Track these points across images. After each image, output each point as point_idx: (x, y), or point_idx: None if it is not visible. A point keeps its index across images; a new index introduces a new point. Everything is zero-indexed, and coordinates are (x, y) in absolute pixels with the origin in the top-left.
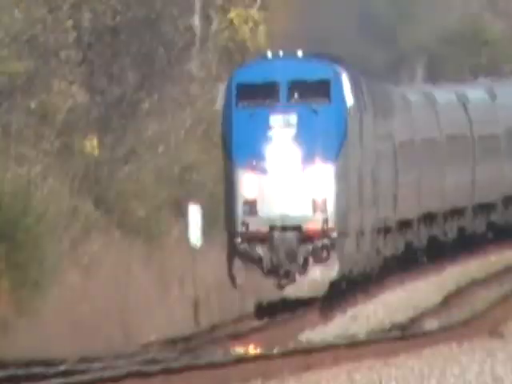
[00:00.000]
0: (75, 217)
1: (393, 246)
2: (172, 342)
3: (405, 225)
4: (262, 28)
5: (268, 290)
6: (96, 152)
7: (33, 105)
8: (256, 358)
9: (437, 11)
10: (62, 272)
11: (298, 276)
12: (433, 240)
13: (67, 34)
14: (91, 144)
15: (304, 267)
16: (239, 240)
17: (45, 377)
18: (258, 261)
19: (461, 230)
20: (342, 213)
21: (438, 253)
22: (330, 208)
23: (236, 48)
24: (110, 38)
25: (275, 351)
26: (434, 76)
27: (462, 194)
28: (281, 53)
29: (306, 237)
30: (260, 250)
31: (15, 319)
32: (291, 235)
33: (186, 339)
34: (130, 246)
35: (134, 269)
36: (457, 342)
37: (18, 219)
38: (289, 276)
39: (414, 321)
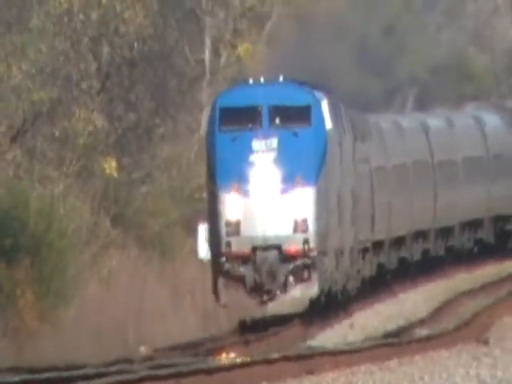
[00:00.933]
0: (95, 233)
1: (370, 266)
2: (183, 348)
3: (377, 246)
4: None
5: (251, 307)
6: (115, 173)
7: (56, 132)
8: (261, 362)
9: (427, 46)
10: (83, 284)
11: (279, 294)
12: (403, 261)
13: (88, 65)
14: (110, 166)
15: (285, 286)
16: (223, 259)
17: (67, 380)
18: (241, 279)
19: (425, 252)
20: (322, 233)
21: (406, 271)
22: (310, 229)
23: (243, 80)
24: (127, 70)
25: (278, 356)
26: (425, 104)
27: (426, 218)
28: (262, 79)
29: (286, 256)
30: (243, 269)
31: (39, 327)
32: (273, 255)
33: (197, 345)
34: (146, 260)
35: (149, 281)
36: (445, 349)
37: (42, 235)
38: (270, 294)
39: (407, 329)
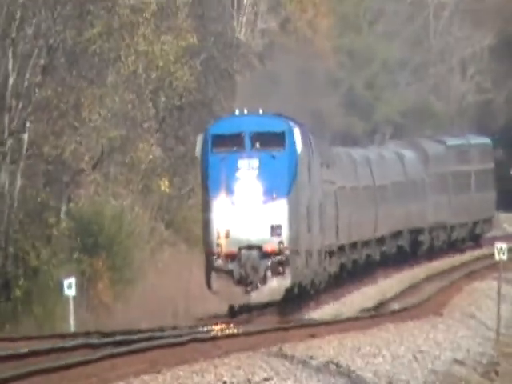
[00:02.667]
0: (153, 234)
1: (334, 265)
2: (219, 317)
3: (341, 249)
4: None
5: (237, 295)
6: (167, 190)
7: (125, 160)
8: (278, 329)
9: (399, 96)
10: (144, 272)
11: (259, 285)
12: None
13: (148, 110)
14: (164, 184)
15: (264, 278)
16: (215, 257)
17: (133, 341)
18: (230, 273)
19: (368, 256)
20: (293, 236)
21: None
22: (284, 232)
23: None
24: (178, 114)
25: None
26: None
27: (370, 229)
28: (245, 111)
29: (265, 254)
30: (231, 265)
31: (113, 304)
32: (254, 253)
33: (228, 316)
34: (191, 255)
35: (194, 270)
36: (411, 319)
37: (114, 236)
38: (253, 285)
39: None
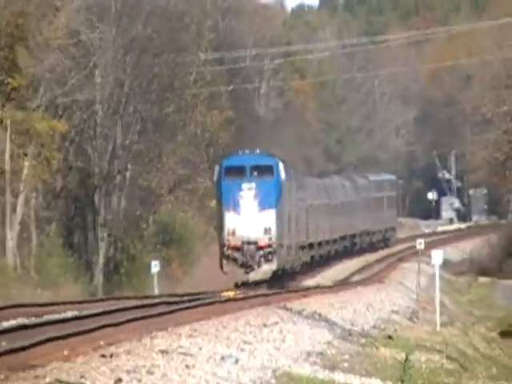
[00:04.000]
0: (206, 234)
1: (307, 256)
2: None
3: (310, 245)
4: None
5: (240, 274)
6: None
7: (189, 188)
8: (279, 293)
9: (357, 148)
10: (200, 258)
11: (256, 268)
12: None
13: (203, 158)
14: (212, 203)
15: (258, 263)
16: (226, 248)
17: (194, 300)
18: (235, 259)
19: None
20: (279, 235)
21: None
22: (273, 232)
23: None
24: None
25: (287, 290)
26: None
27: (327, 232)
28: (247, 151)
29: (260, 247)
30: (236, 254)
31: (182, 278)
32: (252, 247)
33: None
34: None
35: None
36: (363, 286)
37: (182, 235)
38: (250, 268)
39: (348, 277)
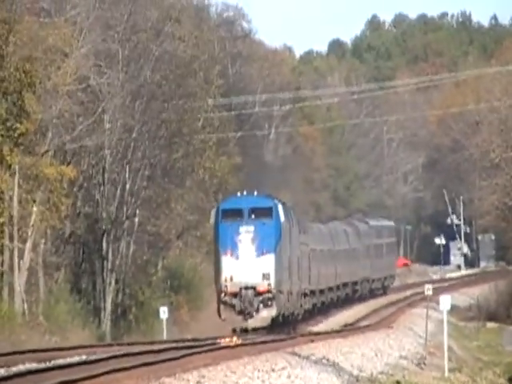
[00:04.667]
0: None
1: (308, 303)
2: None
3: (312, 292)
4: None
5: (238, 321)
6: None
7: (197, 234)
8: (289, 338)
9: (365, 193)
10: (209, 303)
11: (254, 314)
12: (323, 301)
13: (211, 204)
14: None
15: (257, 309)
16: (223, 295)
17: (202, 346)
18: (233, 306)
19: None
20: (278, 281)
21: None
22: (272, 277)
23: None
24: None
25: (297, 335)
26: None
27: (332, 279)
28: (245, 192)
29: (258, 293)
30: (234, 300)
31: (190, 323)
32: (250, 292)
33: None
34: None
35: None
36: (373, 330)
37: (191, 280)
38: (249, 314)
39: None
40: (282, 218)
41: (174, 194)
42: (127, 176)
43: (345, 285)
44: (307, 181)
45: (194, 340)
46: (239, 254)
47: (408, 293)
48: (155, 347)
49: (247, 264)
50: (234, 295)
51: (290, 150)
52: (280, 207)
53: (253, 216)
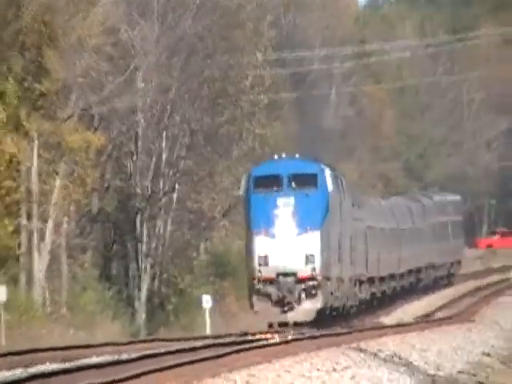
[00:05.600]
0: None
1: (365, 292)
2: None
3: (370, 280)
4: None
5: (276, 314)
6: None
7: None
8: (359, 330)
9: (442, 163)
10: None
11: (295, 306)
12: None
13: None
14: None
15: (299, 300)
16: (256, 281)
17: (251, 341)
18: (269, 295)
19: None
20: (325, 264)
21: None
22: (317, 261)
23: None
24: None
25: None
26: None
27: (395, 265)
28: (283, 155)
29: (300, 280)
30: (270, 289)
31: (239, 313)
32: (290, 279)
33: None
34: None
35: None
36: (452, 324)
37: (238, 265)
38: (289, 306)
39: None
40: (330, 187)
41: (219, 166)
42: (164, 144)
43: (409, 272)
44: (374, 150)
45: (242, 334)
46: (276, 231)
47: (492, 278)
48: (197, 343)
49: (286, 244)
50: (270, 282)
51: (354, 114)
52: (328, 174)
53: (293, 184)
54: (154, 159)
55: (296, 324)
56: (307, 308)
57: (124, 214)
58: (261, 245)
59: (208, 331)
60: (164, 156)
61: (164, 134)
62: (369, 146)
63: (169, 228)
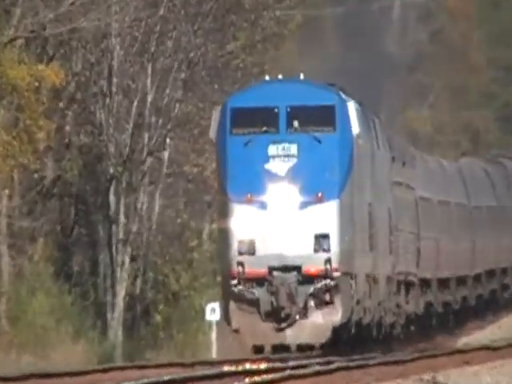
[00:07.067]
0: None
1: (415, 303)
2: None
3: (424, 282)
4: None
5: (267, 331)
6: None
7: None
8: (429, 356)
9: None
10: None
11: (297, 319)
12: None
13: None
14: None
15: (304, 310)
16: (235, 282)
17: (283, 369)
18: (255, 303)
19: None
20: (347, 252)
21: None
22: (333, 247)
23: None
24: None
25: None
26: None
27: (463, 260)
28: (280, 76)
29: (306, 276)
30: (258, 293)
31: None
32: (291, 276)
33: None
34: None
35: None
36: None
37: None
38: (289, 320)
39: None
40: (356, 128)
41: None
42: (149, 82)
43: (489, 274)
44: (456, 89)
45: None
46: (268, 199)
47: None
48: (197, 373)
49: (284, 220)
50: (258, 282)
51: (427, 37)
52: (351, 107)
53: (296, 123)
54: (135, 103)
55: (301, 348)
56: (318, 323)
57: (92, 183)
58: (243, 221)
59: (214, 354)
60: (149, 98)
61: (150, 67)
62: (448, 84)
63: (157, 204)
